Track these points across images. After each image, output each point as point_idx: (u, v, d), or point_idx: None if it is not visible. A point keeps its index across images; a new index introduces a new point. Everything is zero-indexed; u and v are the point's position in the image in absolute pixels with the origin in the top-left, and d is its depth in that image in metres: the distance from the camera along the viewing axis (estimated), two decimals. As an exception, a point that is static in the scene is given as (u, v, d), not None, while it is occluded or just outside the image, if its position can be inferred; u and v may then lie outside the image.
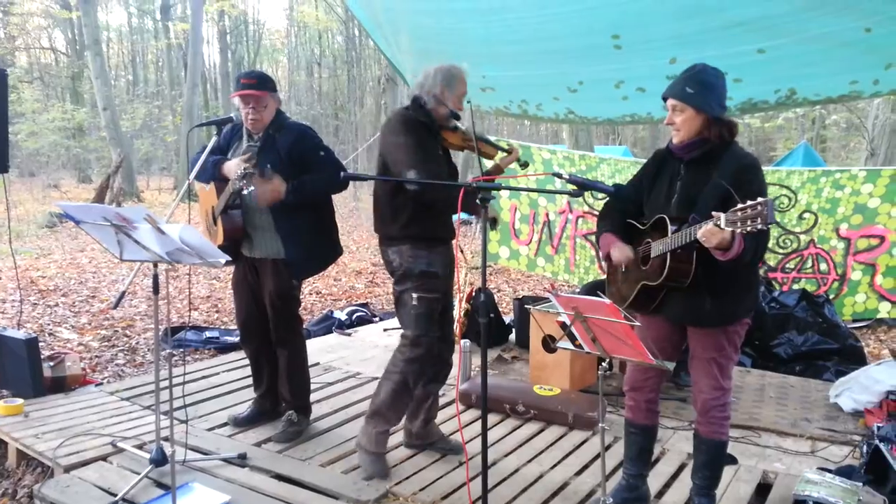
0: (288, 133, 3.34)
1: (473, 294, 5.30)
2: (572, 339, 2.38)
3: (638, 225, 2.68)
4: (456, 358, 3.50)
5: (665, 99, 2.55)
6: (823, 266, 5.24)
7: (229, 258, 2.62)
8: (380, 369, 4.73)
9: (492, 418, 3.68)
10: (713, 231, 2.19)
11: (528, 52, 4.77)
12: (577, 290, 5.89)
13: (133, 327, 6.04)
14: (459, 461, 3.17)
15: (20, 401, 3.65)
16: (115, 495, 2.75)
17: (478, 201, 2.42)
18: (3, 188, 4.42)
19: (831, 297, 5.13)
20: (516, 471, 3.15)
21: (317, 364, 4.64)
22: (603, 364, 2.42)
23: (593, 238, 6.17)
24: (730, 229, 2.15)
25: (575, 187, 2.66)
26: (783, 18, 3.92)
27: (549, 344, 4.18)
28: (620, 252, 2.66)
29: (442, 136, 3.05)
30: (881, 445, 2.90)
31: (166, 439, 2.83)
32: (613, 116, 5.91)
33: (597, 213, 6.03)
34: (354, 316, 6.17)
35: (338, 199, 3.73)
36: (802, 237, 5.29)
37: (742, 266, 2.36)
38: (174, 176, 23.65)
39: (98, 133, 22.98)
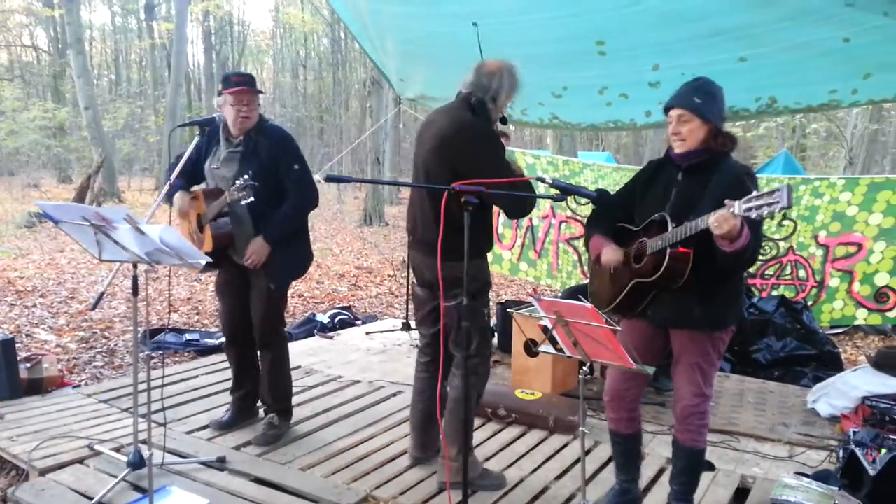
0: (268, 137, 3.32)
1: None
2: (554, 343, 2.40)
3: (631, 227, 2.69)
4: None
5: (668, 109, 2.56)
6: (802, 273, 5.30)
7: (210, 259, 2.60)
8: (362, 372, 4.78)
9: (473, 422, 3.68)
10: (726, 217, 2.20)
11: (513, 57, 4.78)
12: (560, 294, 5.91)
13: (112, 329, 5.97)
14: (441, 464, 3.16)
15: (-5, 403, 3.60)
16: (91, 499, 2.71)
17: (468, 206, 2.40)
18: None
19: (809, 303, 5.20)
20: (497, 475, 3.14)
21: (298, 367, 4.62)
22: (584, 368, 2.44)
23: (576, 243, 6.21)
24: (740, 217, 2.17)
25: (558, 192, 2.68)
26: (764, 28, 3.98)
27: (530, 348, 4.20)
28: (612, 254, 2.67)
29: None
30: (857, 450, 2.94)
31: (144, 442, 2.79)
32: (597, 122, 5.95)
33: (580, 218, 6.09)
34: (337, 319, 6.14)
35: (322, 202, 3.71)
36: (781, 244, 5.35)
37: (740, 264, 2.38)
38: (156, 177, 23.46)
39: (79, 132, 22.68)
